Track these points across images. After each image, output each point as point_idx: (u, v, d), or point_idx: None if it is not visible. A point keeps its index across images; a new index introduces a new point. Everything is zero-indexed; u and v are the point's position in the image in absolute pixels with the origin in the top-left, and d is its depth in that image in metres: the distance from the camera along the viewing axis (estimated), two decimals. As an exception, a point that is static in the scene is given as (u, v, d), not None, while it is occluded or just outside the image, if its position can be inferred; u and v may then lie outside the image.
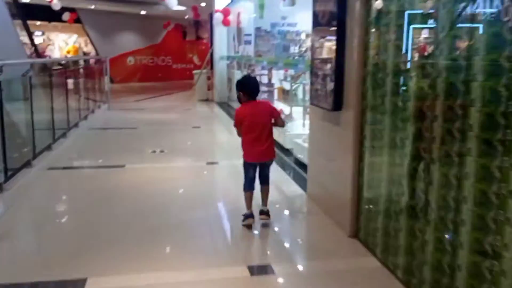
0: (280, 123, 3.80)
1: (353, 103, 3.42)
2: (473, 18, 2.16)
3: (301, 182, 5.00)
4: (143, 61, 21.53)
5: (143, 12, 19.33)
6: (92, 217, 3.96)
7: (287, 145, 6.50)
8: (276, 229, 3.81)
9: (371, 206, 3.28)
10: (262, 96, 10.18)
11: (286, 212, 4.30)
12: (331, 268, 3.10)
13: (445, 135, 2.33)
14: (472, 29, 2.18)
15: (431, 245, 2.49)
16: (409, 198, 2.73)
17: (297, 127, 6.67)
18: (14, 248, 3.37)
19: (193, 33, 22.43)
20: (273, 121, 3.72)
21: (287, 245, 3.63)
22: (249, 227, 3.70)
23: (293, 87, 6.90)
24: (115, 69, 20.00)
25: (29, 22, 19.63)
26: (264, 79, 10.65)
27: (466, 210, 2.19)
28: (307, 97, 6.83)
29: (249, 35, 11.49)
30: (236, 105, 5.41)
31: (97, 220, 3.89)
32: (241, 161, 3.81)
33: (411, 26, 2.71)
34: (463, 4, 2.22)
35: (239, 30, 11.33)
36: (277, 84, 10.33)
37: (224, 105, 12.09)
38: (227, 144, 7.40)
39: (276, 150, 3.86)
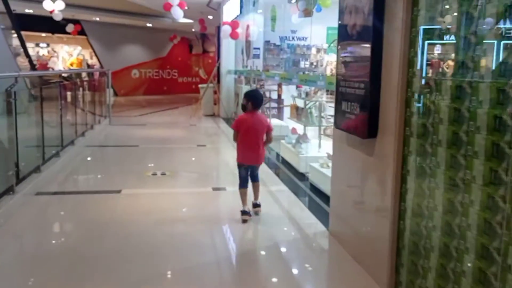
0: (270, 138, 4.27)
1: (392, 129, 2.81)
2: None
3: (320, 214, 4.38)
4: (148, 74, 21.12)
5: (149, 25, 18.94)
6: (76, 260, 3.32)
7: (302, 169, 5.89)
8: (295, 275, 3.18)
9: (417, 259, 2.65)
10: (271, 113, 9.63)
11: (305, 253, 3.65)
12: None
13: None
14: None
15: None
16: (478, 257, 2.10)
17: (313, 149, 6.07)
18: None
19: (199, 46, 22.06)
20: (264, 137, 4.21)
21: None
22: (244, 221, 4.12)
23: (308, 105, 6.31)
24: (120, 82, 19.60)
25: (34, 33, 19.51)
26: (274, 95, 10.10)
27: None
28: (325, 116, 6.26)
29: (258, 48, 10.99)
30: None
31: (81, 266, 3.24)
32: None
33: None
34: None
35: (248, 43, 10.81)
36: (287, 101, 9.78)
37: (231, 121, 11.48)
38: (234, 165, 6.73)
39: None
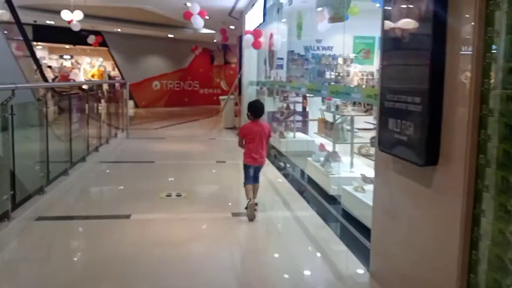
0: (267, 143, 4.84)
1: (460, 156, 2.19)
2: None
3: (355, 247, 3.75)
4: (169, 85, 20.84)
5: (170, 36, 18.67)
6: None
7: (331, 191, 5.25)
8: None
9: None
10: (295, 126, 9.02)
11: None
12: None
13: None
14: None
15: None
16: None
17: (344, 169, 5.43)
18: None
19: (221, 57, 21.71)
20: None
21: None
22: (251, 218, 4.44)
23: (338, 120, 5.69)
24: (141, 94, 19.37)
25: (57, 45, 19.52)
26: (298, 107, 9.50)
27: None
28: (356, 131, 5.64)
29: (281, 58, 10.45)
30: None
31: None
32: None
33: None
34: None
35: (271, 53, 10.27)
36: (311, 114, 9.15)
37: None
38: (256, 185, 6.20)
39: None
